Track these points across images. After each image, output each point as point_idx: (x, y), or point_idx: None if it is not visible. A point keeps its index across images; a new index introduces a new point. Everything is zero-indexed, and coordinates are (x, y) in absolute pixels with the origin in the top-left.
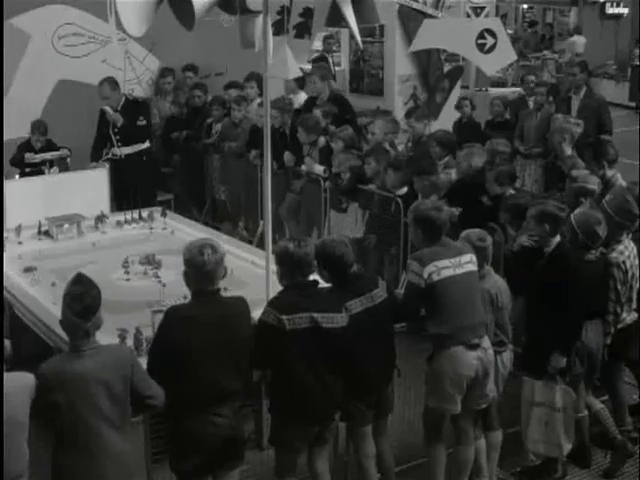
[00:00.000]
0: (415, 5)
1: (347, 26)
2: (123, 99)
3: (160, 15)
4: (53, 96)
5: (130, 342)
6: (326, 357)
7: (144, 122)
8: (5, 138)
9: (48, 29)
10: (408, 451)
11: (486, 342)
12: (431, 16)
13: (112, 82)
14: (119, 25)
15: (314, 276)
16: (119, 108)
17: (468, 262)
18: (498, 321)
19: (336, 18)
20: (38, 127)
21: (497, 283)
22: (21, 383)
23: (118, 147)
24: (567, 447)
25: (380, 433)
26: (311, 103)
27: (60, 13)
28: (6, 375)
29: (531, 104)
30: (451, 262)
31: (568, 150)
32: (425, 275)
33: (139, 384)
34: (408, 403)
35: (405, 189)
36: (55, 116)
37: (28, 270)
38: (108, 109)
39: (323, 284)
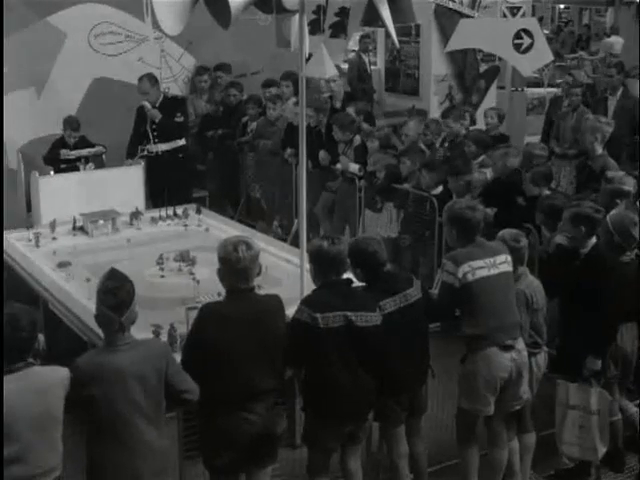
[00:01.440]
0: (451, 5)
1: (383, 26)
2: (161, 96)
3: (196, 14)
4: (89, 94)
5: (164, 338)
6: (360, 356)
7: (182, 118)
8: (40, 135)
9: (84, 27)
10: (441, 452)
11: (520, 343)
12: (467, 16)
13: (152, 78)
14: (155, 23)
15: (348, 275)
16: (157, 105)
17: (503, 262)
18: (533, 322)
19: (372, 17)
20: (70, 123)
21: (532, 284)
22: (56, 377)
23: (155, 143)
24: (602, 450)
25: (413, 433)
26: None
27: (96, 11)
28: (40, 369)
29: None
30: (486, 262)
31: (599, 149)
32: (460, 275)
33: (174, 378)
34: (441, 404)
35: (440, 189)
36: (91, 114)
37: (62, 265)
38: (147, 104)
39: (357, 283)
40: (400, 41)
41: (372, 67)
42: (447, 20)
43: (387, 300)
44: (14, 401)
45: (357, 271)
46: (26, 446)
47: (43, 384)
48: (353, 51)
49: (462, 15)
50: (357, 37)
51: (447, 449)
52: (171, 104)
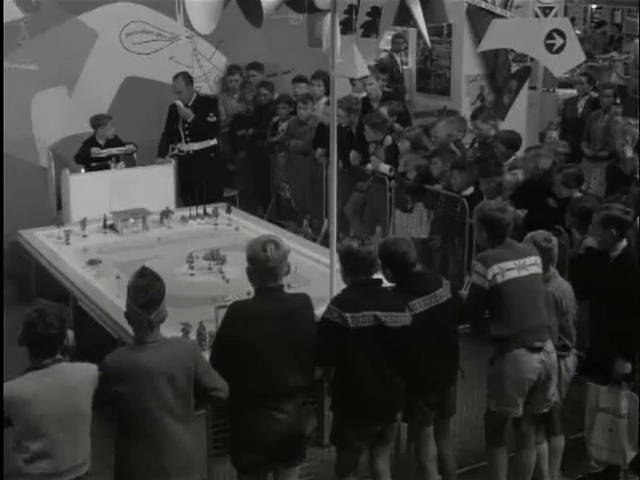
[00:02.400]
0: (484, 4)
1: (415, 25)
2: (194, 95)
3: (228, 13)
4: (120, 92)
5: (193, 336)
6: (389, 356)
7: (214, 119)
8: (71, 133)
9: (116, 26)
10: (469, 454)
11: (549, 346)
12: (500, 16)
13: (186, 77)
14: (187, 22)
15: (378, 275)
16: (190, 104)
17: (532, 264)
18: (562, 325)
19: (404, 17)
20: (96, 119)
21: (562, 286)
22: (84, 374)
23: (186, 143)
24: (631, 455)
25: (442, 434)
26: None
27: (128, 10)
28: (70, 365)
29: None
30: (515, 264)
31: (629, 152)
32: (489, 276)
33: (204, 376)
34: (470, 405)
35: (471, 190)
36: (122, 112)
37: (92, 263)
38: (180, 104)
39: (387, 283)
40: (432, 41)
41: (404, 67)
42: (479, 20)
43: (417, 300)
44: (42, 397)
45: (387, 271)
46: (54, 442)
47: (72, 380)
48: (385, 51)
49: (494, 15)
50: (389, 37)
51: (475, 451)
52: (204, 104)
